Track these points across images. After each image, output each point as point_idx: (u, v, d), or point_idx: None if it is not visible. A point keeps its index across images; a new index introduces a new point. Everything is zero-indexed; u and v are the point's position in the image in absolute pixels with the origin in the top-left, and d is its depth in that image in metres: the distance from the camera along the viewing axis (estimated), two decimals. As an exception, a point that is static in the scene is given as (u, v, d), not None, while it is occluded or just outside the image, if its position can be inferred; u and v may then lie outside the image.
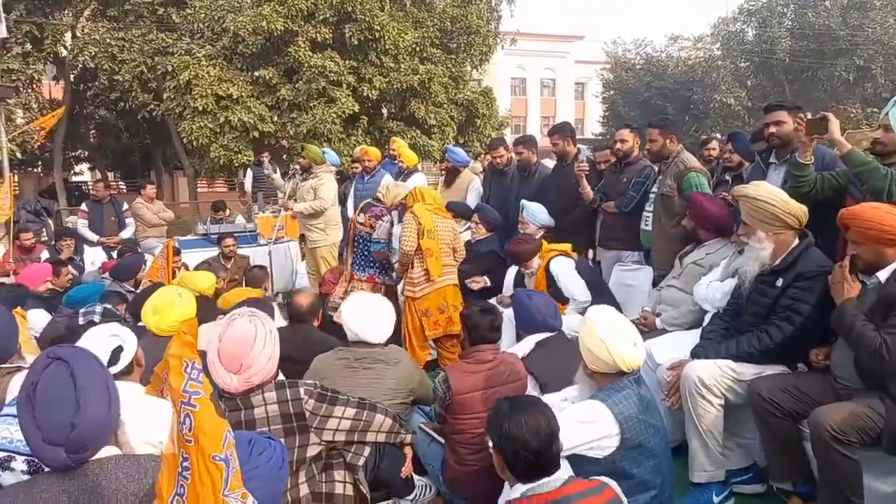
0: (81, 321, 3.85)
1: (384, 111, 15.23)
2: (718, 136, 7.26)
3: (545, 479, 1.90)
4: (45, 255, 6.99)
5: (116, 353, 2.27)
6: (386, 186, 5.38)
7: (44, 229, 8.56)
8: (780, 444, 2.80)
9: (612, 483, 1.95)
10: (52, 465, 1.49)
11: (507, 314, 4.16)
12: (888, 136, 3.11)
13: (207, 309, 3.92)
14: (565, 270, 4.34)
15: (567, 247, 4.56)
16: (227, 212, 9.43)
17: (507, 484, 2.19)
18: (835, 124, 3.21)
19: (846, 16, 23.94)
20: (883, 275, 2.58)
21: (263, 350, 2.25)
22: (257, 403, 2.27)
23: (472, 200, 6.29)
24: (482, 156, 7.62)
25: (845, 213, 2.72)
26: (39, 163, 20.68)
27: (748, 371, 2.94)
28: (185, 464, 1.30)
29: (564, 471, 2.00)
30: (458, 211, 5.50)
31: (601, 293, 4.33)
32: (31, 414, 1.46)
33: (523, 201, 5.08)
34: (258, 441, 1.71)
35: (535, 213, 4.93)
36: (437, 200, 4.93)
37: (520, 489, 1.93)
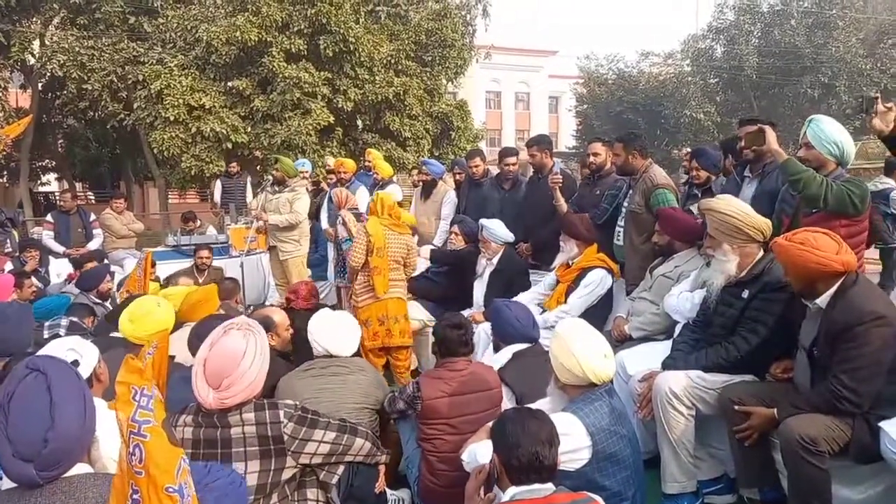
0: (46, 335, 3.74)
1: (359, 123, 15.16)
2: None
3: (537, 486, 1.90)
4: (8, 266, 6.80)
5: None
6: (339, 195, 5.19)
7: (8, 240, 8.32)
8: (748, 450, 2.83)
9: (598, 498, 1.95)
10: (19, 482, 1.43)
11: (484, 328, 4.16)
12: (811, 153, 3.23)
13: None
14: (597, 287, 4.26)
15: (616, 267, 4.46)
16: (198, 223, 9.28)
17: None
18: (771, 135, 3.38)
19: (811, 35, 24.61)
20: (823, 301, 2.64)
21: (249, 370, 2.20)
22: (234, 423, 2.21)
23: (448, 212, 6.30)
24: (450, 172, 7.58)
25: (774, 245, 2.77)
26: (5, 172, 20.20)
27: (718, 380, 2.98)
28: (135, 496, 1.23)
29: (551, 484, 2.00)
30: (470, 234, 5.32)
31: (596, 313, 4.28)
32: (4, 426, 1.41)
33: (482, 220, 5.00)
34: (214, 466, 1.73)
35: (494, 231, 4.86)
36: (396, 212, 4.82)
37: (510, 492, 1.92)
